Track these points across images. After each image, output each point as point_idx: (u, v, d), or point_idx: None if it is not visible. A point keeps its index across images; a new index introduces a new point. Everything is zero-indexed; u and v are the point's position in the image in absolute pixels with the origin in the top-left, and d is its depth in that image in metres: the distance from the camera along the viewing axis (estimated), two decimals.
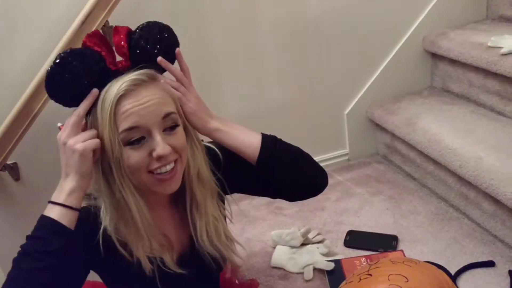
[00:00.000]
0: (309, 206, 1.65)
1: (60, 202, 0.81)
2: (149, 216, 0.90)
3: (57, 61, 0.82)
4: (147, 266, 0.92)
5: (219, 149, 1.03)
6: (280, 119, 1.78)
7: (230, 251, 1.03)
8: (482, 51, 1.56)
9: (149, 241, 0.92)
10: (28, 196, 1.52)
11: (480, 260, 1.31)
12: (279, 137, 1.02)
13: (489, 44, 1.56)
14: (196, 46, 1.57)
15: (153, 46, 0.89)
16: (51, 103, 0.87)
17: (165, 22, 0.93)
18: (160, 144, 0.83)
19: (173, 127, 0.87)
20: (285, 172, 1.00)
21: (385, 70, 1.86)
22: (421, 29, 1.83)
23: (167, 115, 0.86)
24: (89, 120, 0.86)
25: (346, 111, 1.88)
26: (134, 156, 0.84)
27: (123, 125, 0.82)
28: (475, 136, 1.47)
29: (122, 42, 0.87)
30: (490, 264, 1.30)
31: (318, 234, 1.48)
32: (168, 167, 0.87)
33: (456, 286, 1.24)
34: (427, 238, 1.43)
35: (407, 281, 0.76)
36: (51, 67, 0.82)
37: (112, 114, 0.82)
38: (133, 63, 0.88)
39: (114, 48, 0.88)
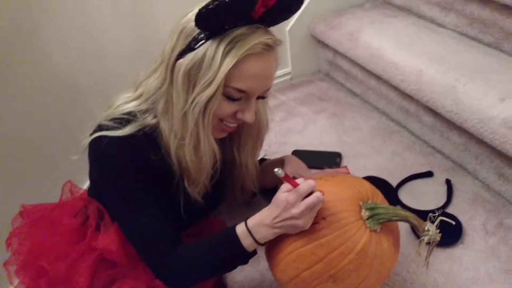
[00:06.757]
0: None
1: (257, 239, 0.85)
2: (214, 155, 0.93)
3: None
4: (196, 196, 0.95)
5: None
6: None
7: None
8: None
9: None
10: None
11: (419, 171, 1.36)
12: None
13: None
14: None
15: (290, 11, 0.87)
16: None
17: None
18: (252, 113, 0.87)
19: (263, 97, 0.90)
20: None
21: None
22: None
23: (269, 88, 0.89)
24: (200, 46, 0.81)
25: (288, 28, 1.81)
26: (224, 107, 0.85)
27: (238, 83, 0.82)
28: (416, 49, 1.46)
29: None
30: (428, 174, 1.35)
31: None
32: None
33: (398, 197, 1.28)
34: (369, 153, 1.46)
35: (323, 194, 0.81)
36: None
37: (234, 63, 0.79)
38: (261, 17, 0.82)
39: None
